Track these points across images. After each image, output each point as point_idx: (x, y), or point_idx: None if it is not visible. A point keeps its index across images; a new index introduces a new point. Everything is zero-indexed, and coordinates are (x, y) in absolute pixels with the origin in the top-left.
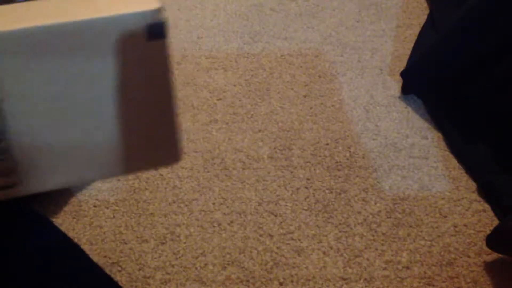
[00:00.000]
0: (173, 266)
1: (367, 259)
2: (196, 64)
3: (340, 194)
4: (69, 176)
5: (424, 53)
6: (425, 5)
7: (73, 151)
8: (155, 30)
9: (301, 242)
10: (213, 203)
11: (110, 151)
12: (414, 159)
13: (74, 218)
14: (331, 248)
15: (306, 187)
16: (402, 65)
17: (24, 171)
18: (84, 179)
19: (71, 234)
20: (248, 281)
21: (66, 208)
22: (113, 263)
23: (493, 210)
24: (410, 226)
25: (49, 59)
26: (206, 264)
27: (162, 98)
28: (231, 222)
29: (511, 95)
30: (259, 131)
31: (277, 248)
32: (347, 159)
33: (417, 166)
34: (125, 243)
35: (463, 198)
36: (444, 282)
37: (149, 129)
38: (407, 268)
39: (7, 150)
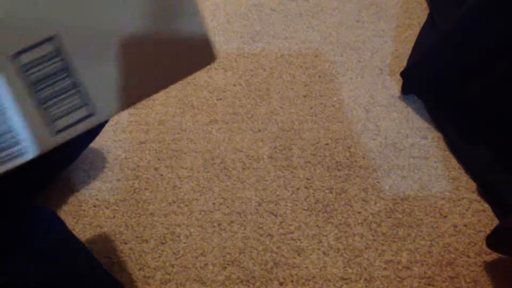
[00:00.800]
0: (173, 266)
1: (367, 259)
2: None
3: (340, 194)
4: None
5: (424, 53)
6: (425, 5)
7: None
8: None
9: (301, 242)
10: (213, 203)
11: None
12: (414, 159)
13: (74, 218)
14: (331, 248)
15: (306, 187)
16: (402, 65)
17: (94, 98)
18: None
19: None
20: (248, 281)
21: (66, 208)
22: (113, 263)
23: (493, 210)
24: (410, 226)
25: None
26: (206, 264)
27: None
28: (231, 222)
29: (511, 95)
30: (259, 131)
31: (277, 248)
32: (347, 159)
33: (417, 166)
34: (125, 243)
35: (463, 198)
36: (444, 282)
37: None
38: (407, 268)
39: (78, 84)
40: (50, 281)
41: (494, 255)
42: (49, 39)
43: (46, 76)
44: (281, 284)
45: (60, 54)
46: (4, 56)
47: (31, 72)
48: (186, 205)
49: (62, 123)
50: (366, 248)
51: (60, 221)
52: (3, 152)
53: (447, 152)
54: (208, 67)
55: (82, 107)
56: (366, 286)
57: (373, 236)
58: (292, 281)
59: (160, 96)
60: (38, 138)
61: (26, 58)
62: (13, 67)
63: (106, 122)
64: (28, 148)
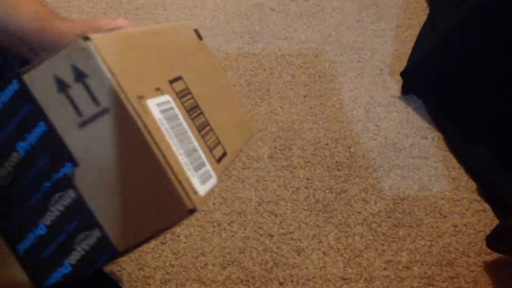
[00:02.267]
0: (173, 266)
1: (367, 259)
2: None
3: (340, 194)
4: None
5: (424, 53)
6: (425, 5)
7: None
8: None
9: (301, 242)
10: (213, 203)
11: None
12: (414, 159)
13: None
14: (331, 248)
15: (306, 187)
16: (402, 65)
17: (223, 139)
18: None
19: None
20: (248, 281)
21: None
22: (113, 263)
23: (493, 210)
24: (410, 226)
25: None
26: (206, 264)
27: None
28: (231, 222)
29: (511, 95)
30: (259, 131)
31: (277, 248)
32: (347, 159)
33: (417, 166)
34: None
35: (463, 198)
36: (444, 282)
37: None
38: (407, 268)
39: (206, 122)
40: None
41: (494, 255)
42: None
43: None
44: (281, 284)
45: None
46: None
47: (183, 100)
48: None
49: (216, 154)
50: (366, 248)
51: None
52: (200, 170)
53: (447, 152)
54: None
55: None
56: (366, 286)
57: (373, 236)
58: (292, 281)
59: None
60: (211, 163)
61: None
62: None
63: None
64: (211, 171)
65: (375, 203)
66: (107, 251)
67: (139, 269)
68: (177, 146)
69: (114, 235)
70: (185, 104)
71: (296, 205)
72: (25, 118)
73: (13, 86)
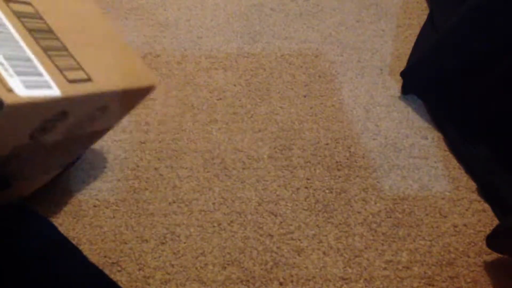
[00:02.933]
0: (173, 266)
1: (367, 259)
2: (196, 64)
3: (340, 194)
4: None
5: (424, 53)
6: (425, 5)
7: None
8: None
9: (301, 242)
10: (213, 203)
11: None
12: (414, 159)
13: (74, 218)
14: (331, 248)
15: (306, 187)
16: (402, 65)
17: (88, 68)
18: None
19: (71, 234)
20: (248, 281)
21: (66, 208)
22: (113, 263)
23: (493, 210)
24: (410, 226)
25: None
26: (206, 264)
27: None
28: (231, 222)
29: (511, 95)
30: (259, 131)
31: (277, 248)
32: (347, 159)
33: (417, 166)
34: (125, 243)
35: (463, 198)
36: (444, 282)
37: None
38: (407, 268)
39: (63, 48)
40: (45, 287)
41: (494, 255)
42: None
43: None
44: (281, 284)
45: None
46: None
47: (24, 20)
48: (186, 205)
49: (69, 75)
50: (366, 248)
51: (52, 225)
52: (28, 76)
53: (447, 152)
54: (208, 67)
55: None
56: (366, 286)
57: (373, 236)
58: (292, 281)
59: (160, 96)
60: (55, 78)
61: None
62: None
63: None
64: (52, 84)
65: (375, 203)
66: None
67: (139, 269)
68: None
69: None
70: (27, 24)
71: (296, 205)
72: None
73: None
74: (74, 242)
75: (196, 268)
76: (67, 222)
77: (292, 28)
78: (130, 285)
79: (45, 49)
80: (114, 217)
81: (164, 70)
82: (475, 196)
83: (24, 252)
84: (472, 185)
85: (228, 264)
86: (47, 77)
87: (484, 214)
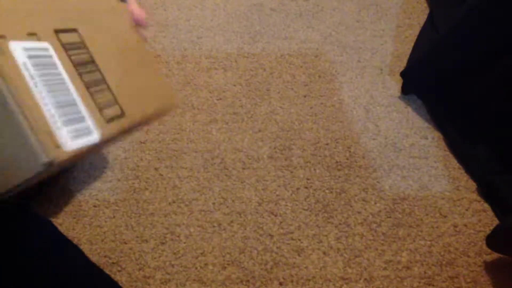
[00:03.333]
0: (173, 266)
1: (367, 259)
2: (196, 64)
3: (340, 194)
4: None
5: (424, 53)
6: (425, 5)
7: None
8: None
9: (301, 242)
10: (213, 203)
11: None
12: (414, 159)
13: (74, 218)
14: (331, 248)
15: (306, 187)
16: (402, 65)
17: (122, 100)
18: None
19: (71, 234)
20: (248, 281)
21: (66, 208)
22: (113, 263)
23: (493, 210)
24: (410, 226)
25: None
26: (206, 264)
27: None
28: (231, 222)
29: (511, 95)
30: (259, 131)
31: (277, 248)
32: (347, 159)
33: (417, 166)
34: (125, 243)
35: (463, 198)
36: (444, 282)
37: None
38: (407, 268)
39: (102, 81)
40: (47, 286)
41: (494, 255)
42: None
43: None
44: (281, 284)
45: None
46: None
47: (71, 53)
48: (186, 205)
49: (107, 114)
50: (366, 248)
51: (52, 225)
52: (74, 125)
53: (447, 152)
54: (208, 67)
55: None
56: (366, 286)
57: (373, 236)
58: (292, 281)
59: None
60: (96, 120)
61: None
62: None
63: None
64: (93, 128)
65: (375, 203)
66: None
67: (139, 269)
68: (43, 96)
69: None
70: (74, 57)
71: (296, 205)
72: None
73: None
74: (74, 242)
75: (196, 268)
76: (67, 222)
77: (292, 28)
78: (130, 285)
79: (88, 86)
80: (114, 217)
81: (164, 70)
82: (475, 196)
83: (25, 252)
84: (472, 185)
85: (228, 264)
86: (89, 121)
87: (484, 214)
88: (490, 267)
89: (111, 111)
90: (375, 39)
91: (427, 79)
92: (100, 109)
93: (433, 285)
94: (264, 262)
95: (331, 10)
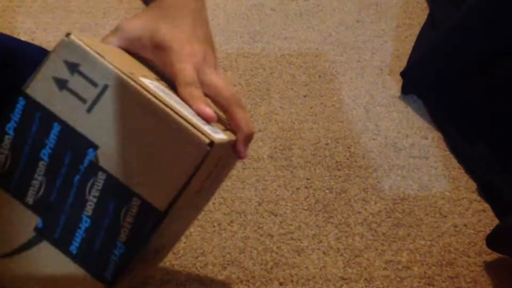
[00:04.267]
0: (173, 266)
1: (367, 259)
2: None
3: (340, 194)
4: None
5: (424, 53)
6: (425, 5)
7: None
8: None
9: (301, 242)
10: (213, 203)
11: None
12: (414, 159)
13: None
14: (331, 248)
15: (306, 187)
16: (402, 65)
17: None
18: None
19: None
20: (248, 281)
21: None
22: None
23: (493, 210)
24: (410, 226)
25: None
26: (206, 264)
27: None
28: (231, 222)
29: (511, 95)
30: (259, 131)
31: (277, 248)
32: (347, 159)
33: (417, 166)
34: None
35: (463, 198)
36: (444, 282)
37: None
38: (407, 268)
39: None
40: None
41: (494, 255)
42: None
43: None
44: (281, 284)
45: None
46: None
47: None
48: None
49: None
50: (366, 248)
51: None
52: (208, 125)
53: (447, 152)
54: None
55: None
56: (366, 286)
57: (373, 236)
58: (292, 281)
59: None
60: (219, 128)
61: None
62: None
63: None
64: (219, 130)
65: (375, 203)
66: (151, 214)
67: None
68: (181, 109)
69: (153, 197)
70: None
71: (296, 205)
72: (40, 125)
73: (20, 103)
74: None
75: (196, 268)
76: None
77: (292, 28)
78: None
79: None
80: None
81: None
82: (475, 196)
83: None
84: (472, 185)
85: (228, 264)
86: (214, 126)
87: (484, 214)
88: (490, 267)
89: (218, 125)
90: (375, 39)
91: (427, 79)
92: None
93: (433, 285)
94: (264, 262)
95: (331, 10)
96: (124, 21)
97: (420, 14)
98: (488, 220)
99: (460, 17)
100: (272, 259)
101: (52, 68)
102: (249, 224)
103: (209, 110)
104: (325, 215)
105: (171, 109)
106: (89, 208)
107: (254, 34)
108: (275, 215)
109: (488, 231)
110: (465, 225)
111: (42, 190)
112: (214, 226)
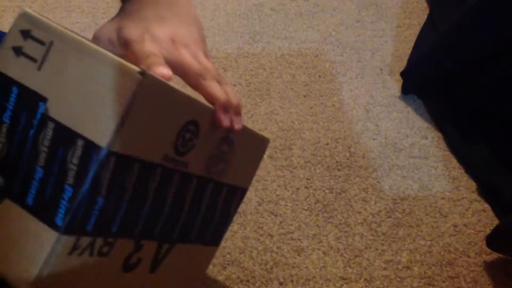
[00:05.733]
0: None
1: (367, 259)
2: None
3: (340, 194)
4: None
5: (424, 53)
6: (425, 5)
7: None
8: None
9: (301, 242)
10: None
11: None
12: (414, 159)
13: None
14: (331, 248)
15: (306, 187)
16: (402, 65)
17: None
18: None
19: None
20: (248, 281)
21: None
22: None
23: (493, 210)
24: (410, 226)
25: None
26: None
27: None
28: None
29: (511, 95)
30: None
31: (277, 248)
32: (347, 159)
33: (417, 166)
34: None
35: (463, 198)
36: (444, 282)
37: None
38: (407, 268)
39: None
40: None
41: (494, 255)
42: None
43: None
44: (281, 284)
45: None
46: None
47: None
48: None
49: None
50: (366, 248)
51: None
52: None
53: (447, 152)
54: None
55: None
56: (366, 286)
57: (373, 236)
58: (292, 281)
59: None
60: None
61: None
62: None
63: None
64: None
65: (375, 203)
66: (95, 153)
67: None
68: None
69: (95, 135)
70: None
71: (296, 205)
72: (1, 92)
73: None
74: None
75: None
76: None
77: (292, 28)
78: None
79: None
80: None
81: None
82: (475, 196)
83: None
84: (472, 185)
85: (228, 264)
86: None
87: (484, 214)
88: (490, 267)
89: None
90: (375, 39)
91: (427, 79)
92: None
93: (433, 285)
94: (264, 262)
95: (331, 10)
96: (98, 28)
97: (420, 14)
98: (488, 220)
99: (460, 17)
100: (272, 259)
101: (10, 40)
102: (249, 224)
103: (162, 68)
104: (325, 215)
105: (107, 51)
106: (41, 159)
107: (254, 34)
108: (275, 215)
109: (488, 231)
110: (465, 225)
111: (4, 151)
112: None
